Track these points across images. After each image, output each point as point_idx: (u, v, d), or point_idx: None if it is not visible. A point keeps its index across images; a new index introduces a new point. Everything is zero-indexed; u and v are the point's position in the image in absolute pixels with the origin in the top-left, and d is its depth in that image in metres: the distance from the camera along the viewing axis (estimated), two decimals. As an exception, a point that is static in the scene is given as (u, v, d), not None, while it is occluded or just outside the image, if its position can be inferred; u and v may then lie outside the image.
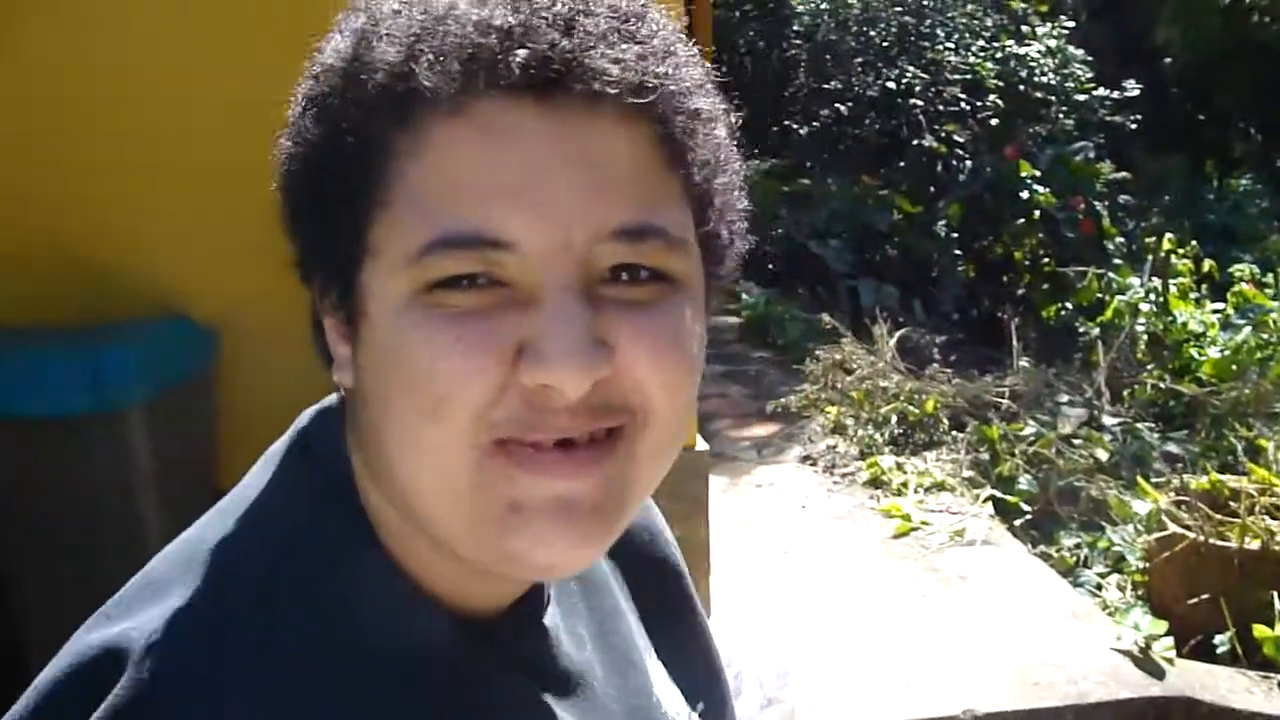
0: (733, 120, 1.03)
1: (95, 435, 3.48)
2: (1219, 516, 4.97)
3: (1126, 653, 4.33)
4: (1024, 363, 8.13)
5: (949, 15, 14.30)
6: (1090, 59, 14.41)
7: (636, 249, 0.90)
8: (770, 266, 11.89)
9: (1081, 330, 9.46)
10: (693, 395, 0.97)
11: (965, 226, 11.25)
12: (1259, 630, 4.41)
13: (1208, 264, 9.67)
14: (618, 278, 0.91)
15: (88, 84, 3.94)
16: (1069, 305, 10.19)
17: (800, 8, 15.16)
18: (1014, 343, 8.25)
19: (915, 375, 7.87)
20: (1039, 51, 13.88)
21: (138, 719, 0.89)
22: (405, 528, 0.99)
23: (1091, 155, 12.01)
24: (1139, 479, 5.83)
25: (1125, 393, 7.62)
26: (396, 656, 0.96)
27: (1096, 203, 11.09)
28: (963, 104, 13.01)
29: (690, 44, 0.98)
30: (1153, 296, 8.80)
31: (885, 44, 14.14)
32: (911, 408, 7.37)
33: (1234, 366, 7.72)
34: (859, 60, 14.06)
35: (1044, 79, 13.64)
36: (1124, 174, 12.62)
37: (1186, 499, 5.15)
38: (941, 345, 9.13)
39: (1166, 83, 18.28)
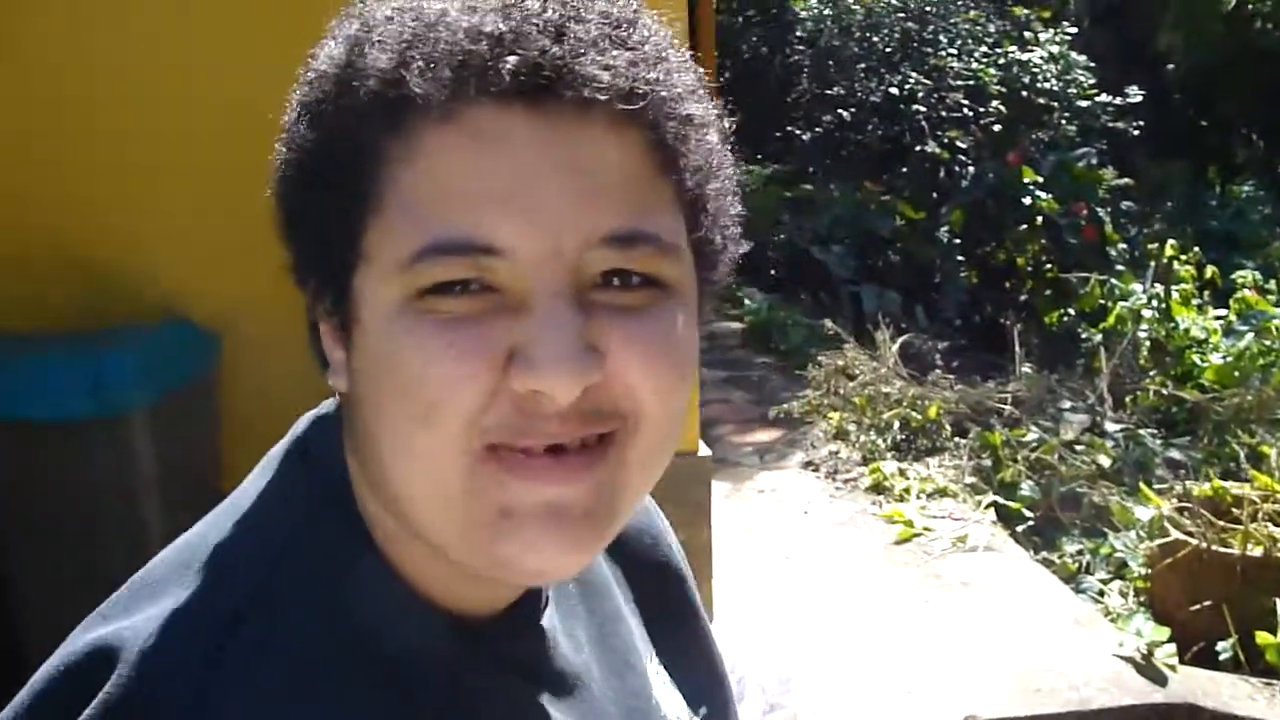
0: (725, 126, 1.03)
1: (97, 439, 3.48)
2: (1221, 523, 4.97)
3: (1129, 659, 4.33)
4: (1026, 369, 8.13)
5: (952, 21, 14.33)
6: (1093, 65, 14.43)
7: (627, 255, 0.90)
8: (773, 272, 11.92)
9: (1084, 336, 9.46)
10: (685, 400, 0.97)
11: (968, 232, 11.26)
12: (1261, 637, 4.41)
13: (1210, 270, 9.67)
14: (609, 283, 0.90)
15: (88, 85, 3.94)
16: (1071, 311, 10.19)
17: (803, 13, 15.19)
18: (1016, 349, 8.25)
19: (918, 381, 7.87)
20: (1042, 58, 13.90)
21: (128, 717, 0.89)
22: (400, 531, 0.99)
23: (1094, 161, 12.02)
24: (1141, 485, 5.83)
25: (1128, 399, 7.63)
26: (393, 658, 0.96)
27: (1099, 209, 11.09)
28: (965, 110, 13.03)
29: (683, 50, 0.98)
30: (1155, 303, 8.80)
31: (888, 50, 14.16)
32: (914, 414, 7.37)
33: (1236, 373, 7.73)
34: (862, 66, 14.09)
35: (1047, 85, 13.66)
36: (1126, 180, 12.62)
37: (1189, 505, 5.15)
38: (944, 351, 9.14)
39: (1169, 89, 18.29)
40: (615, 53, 0.89)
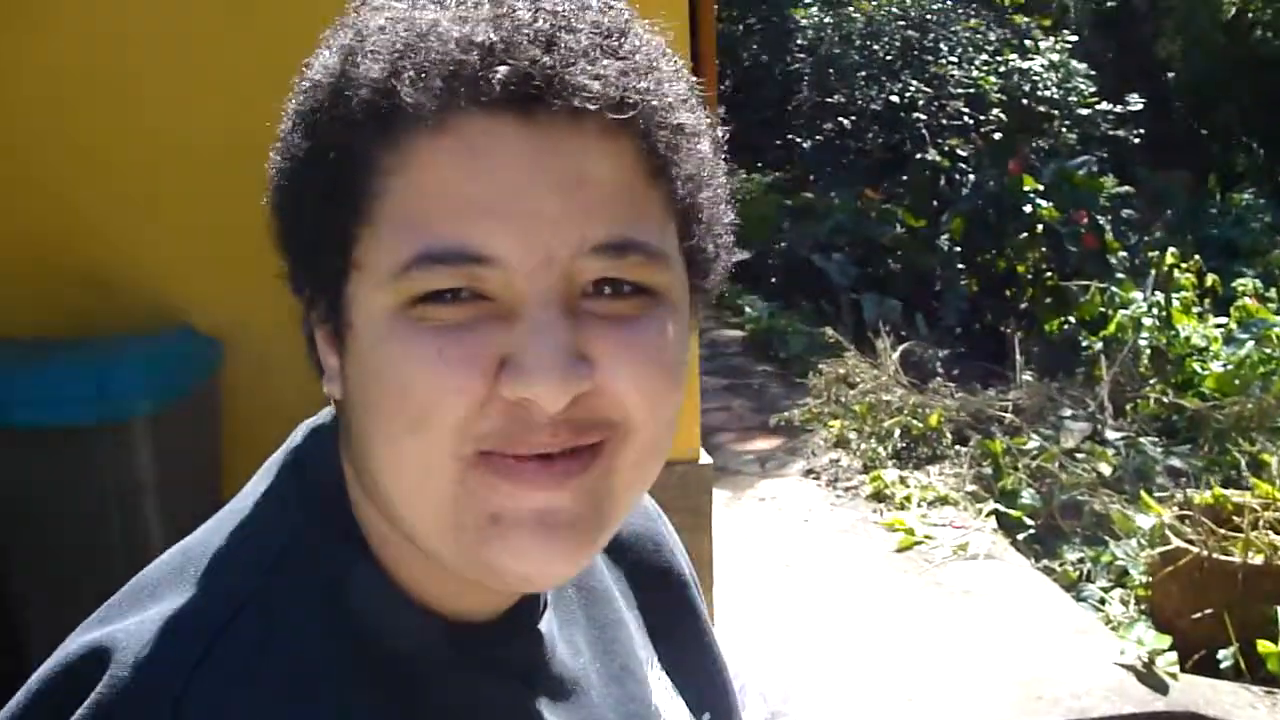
0: (718, 134, 1.03)
1: (99, 446, 3.48)
2: (1222, 531, 4.97)
3: (1130, 668, 4.33)
4: (1027, 377, 8.13)
5: (952, 29, 14.35)
6: (1093, 73, 14.45)
7: (618, 264, 0.90)
8: (773, 280, 11.91)
9: (1084, 344, 9.45)
10: (676, 408, 0.97)
11: (968, 240, 11.25)
12: (1263, 645, 4.41)
13: (1211, 278, 9.68)
14: (600, 292, 0.91)
15: (90, 93, 3.94)
16: (1072, 319, 10.19)
17: (804, 21, 15.20)
18: (1017, 357, 8.25)
19: (918, 389, 7.88)
20: (1042, 66, 13.92)
21: (117, 716, 0.90)
22: (395, 536, 1.00)
23: (1094, 169, 12.01)
24: (1142, 493, 5.83)
25: (1128, 407, 7.63)
26: (391, 659, 0.97)
27: (1099, 217, 11.09)
28: (966, 118, 13.04)
29: (675, 59, 0.99)
30: (1156, 311, 8.80)
31: (888, 58, 14.17)
32: (915, 421, 7.37)
33: (1237, 381, 7.72)
34: (862, 74, 14.10)
35: (1047, 93, 13.68)
36: (1127, 188, 12.62)
37: (1190, 514, 5.15)
38: (944, 359, 9.13)
39: (1169, 97, 18.31)
40: (606, 62, 0.89)
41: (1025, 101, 13.44)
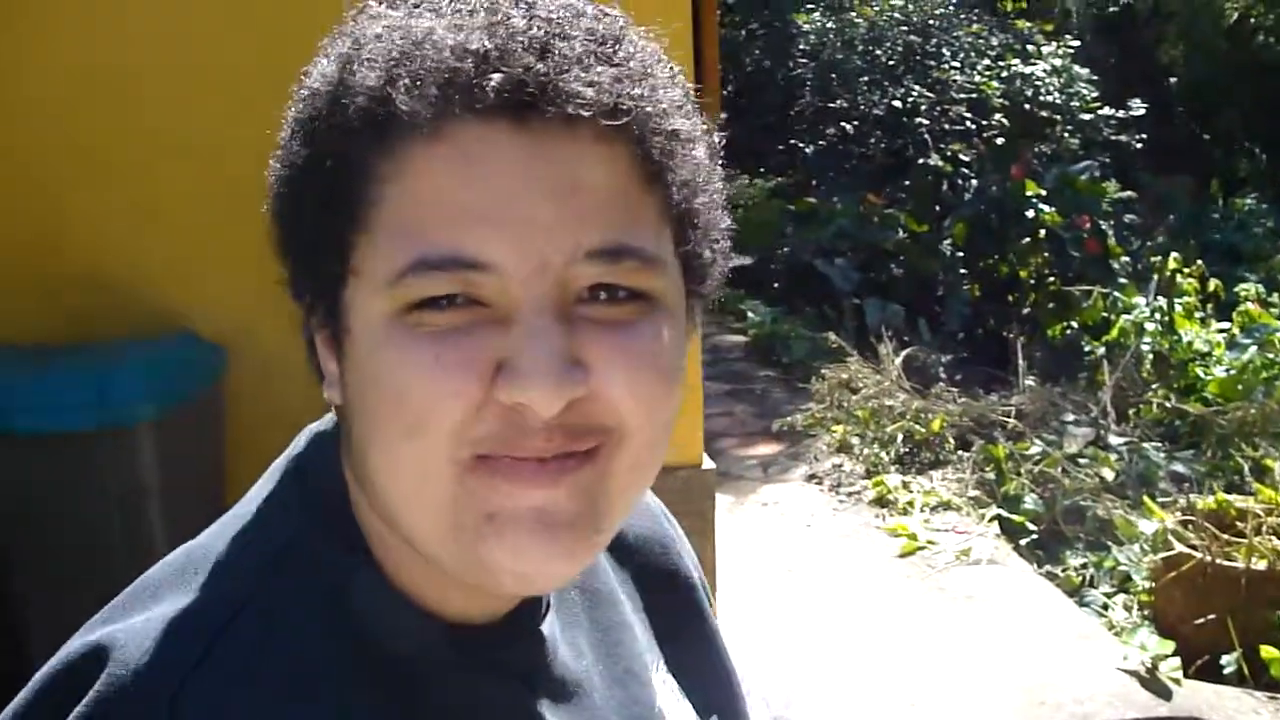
0: (715, 140, 1.03)
1: (103, 452, 3.48)
2: (1225, 536, 4.96)
3: (1133, 673, 4.32)
4: (1029, 382, 8.13)
5: (954, 35, 14.36)
6: (1095, 78, 14.45)
7: (613, 269, 0.91)
8: (775, 285, 11.91)
9: (1087, 349, 9.46)
10: (672, 412, 0.98)
11: (970, 245, 11.25)
12: (1266, 651, 4.41)
13: (1213, 283, 9.68)
14: (596, 297, 0.91)
15: (93, 99, 3.94)
16: (1074, 324, 10.19)
17: (806, 26, 15.20)
18: (1019, 362, 8.25)
19: (921, 394, 7.88)
20: (1044, 71, 13.93)
21: (113, 714, 0.90)
22: (394, 540, 1.00)
23: (1096, 174, 12.03)
24: (1145, 498, 5.83)
25: (1131, 412, 7.63)
26: (387, 661, 0.98)
27: (1102, 222, 11.09)
28: (968, 123, 13.05)
29: (671, 65, 0.99)
30: (1158, 316, 8.81)
31: (891, 63, 14.19)
32: (917, 426, 7.37)
33: (1240, 386, 7.72)
34: (865, 79, 14.11)
35: (1049, 98, 13.69)
36: (1129, 193, 12.62)
37: (1193, 519, 5.15)
38: (947, 364, 9.14)
39: (1171, 102, 18.32)
40: (600, 69, 0.89)
41: (1027, 106, 13.45)
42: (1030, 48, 14.54)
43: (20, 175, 3.91)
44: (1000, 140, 12.73)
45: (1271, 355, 8.00)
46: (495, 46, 0.87)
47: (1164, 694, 4.22)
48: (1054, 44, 14.74)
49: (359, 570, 1.01)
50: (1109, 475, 6.61)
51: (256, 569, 1.00)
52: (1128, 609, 5.36)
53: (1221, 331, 8.79)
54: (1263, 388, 7.55)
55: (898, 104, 13.48)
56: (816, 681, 4.39)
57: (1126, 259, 11.16)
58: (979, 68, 13.86)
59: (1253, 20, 18.00)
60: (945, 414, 7.46)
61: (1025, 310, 10.94)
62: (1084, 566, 5.76)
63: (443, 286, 0.88)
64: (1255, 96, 17.37)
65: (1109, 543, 5.86)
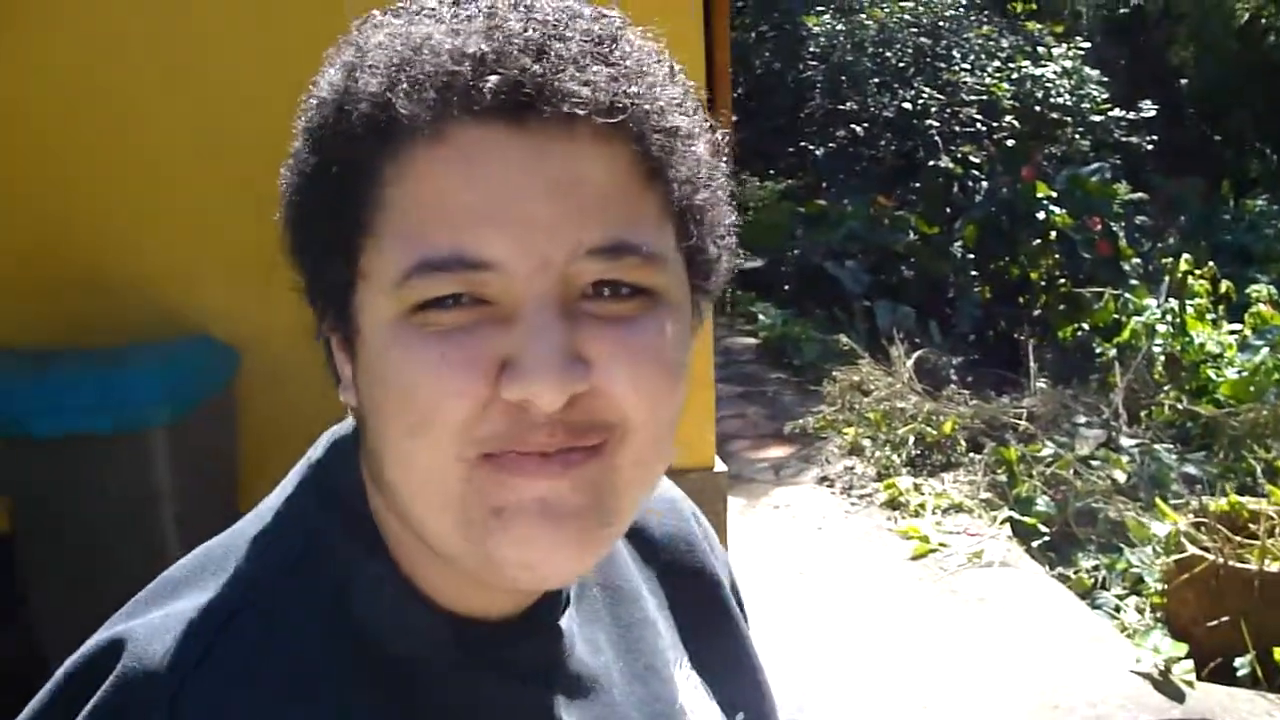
0: (718, 138, 1.04)
1: (117, 455, 3.49)
2: (1238, 538, 4.95)
3: (1146, 675, 4.32)
4: (1041, 384, 8.13)
5: (965, 36, 14.35)
6: (1106, 80, 14.43)
7: (615, 265, 0.92)
8: (786, 287, 11.91)
9: (1098, 351, 9.44)
10: (676, 407, 0.98)
11: (981, 247, 11.24)
12: (1279, 653, 4.39)
13: (1225, 285, 9.66)
14: (599, 294, 0.92)
15: (110, 106, 3.96)
16: (1085, 326, 10.18)
17: (816, 29, 15.20)
18: (1031, 364, 8.25)
19: (932, 396, 7.87)
20: (1055, 72, 13.91)
21: (121, 707, 0.92)
22: (409, 538, 1.02)
23: (1107, 176, 11.99)
24: (1157, 500, 5.82)
25: (1143, 414, 7.62)
26: (394, 660, 0.99)
27: (1113, 223, 11.07)
28: (978, 125, 13.04)
29: (670, 64, 1.00)
30: (1169, 317, 8.79)
31: (901, 65, 14.18)
32: (929, 429, 7.37)
33: (1252, 387, 7.71)
34: (875, 81, 14.10)
35: (1059, 100, 13.67)
36: (1140, 195, 12.60)
37: (1205, 520, 5.14)
38: (958, 366, 9.13)
39: (1182, 103, 18.30)
40: (596, 69, 0.91)
41: (1038, 108, 13.44)
42: (1040, 49, 14.52)
43: (42, 181, 3.93)
44: (1011, 142, 12.72)
45: (1283, 357, 7.98)
46: (492, 49, 0.89)
47: (1177, 696, 4.21)
48: (1064, 46, 14.72)
49: (371, 568, 1.03)
50: (1121, 477, 6.60)
51: (268, 570, 1.01)
52: (1140, 611, 5.35)
53: (1233, 333, 8.77)
54: (1275, 389, 7.53)
55: (908, 106, 13.48)
56: (829, 684, 4.39)
57: (1138, 260, 11.14)
58: (989, 69, 13.85)
59: (1264, 21, 17.97)
60: (957, 416, 7.45)
61: (1036, 312, 10.92)
62: (1096, 569, 5.75)
63: (447, 286, 0.90)
64: (1266, 97, 17.35)
65: (1121, 545, 5.85)
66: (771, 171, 15.04)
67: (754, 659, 1.36)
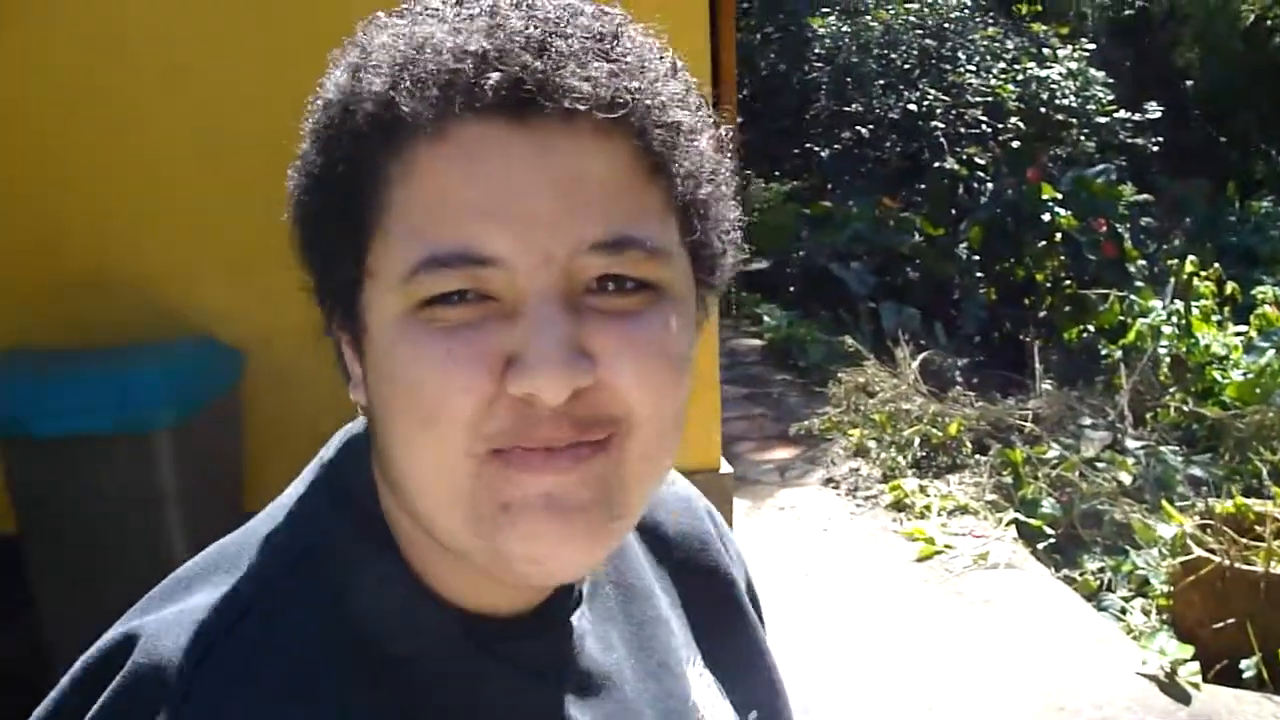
0: (722, 133, 1.05)
1: (122, 456, 3.50)
2: (1244, 540, 4.95)
3: (1152, 677, 4.31)
4: (1046, 385, 8.12)
5: (970, 38, 14.35)
6: (1111, 81, 14.43)
7: (618, 260, 0.92)
8: (791, 289, 11.91)
9: (1104, 353, 9.44)
10: (681, 400, 0.99)
11: (987, 249, 11.24)
12: (1286, 655, 4.39)
13: (1230, 286, 9.65)
14: (604, 288, 0.93)
15: (119, 109, 3.96)
16: (1091, 328, 10.18)
17: (821, 30, 15.20)
18: (1036, 365, 8.24)
19: (938, 398, 7.87)
20: (1060, 74, 13.91)
21: (129, 702, 0.93)
22: (420, 536, 1.02)
23: (1113, 177, 12.00)
24: (1163, 502, 5.82)
25: (1148, 416, 7.61)
26: (395, 659, 0.99)
27: (1118, 225, 11.08)
28: (984, 126, 13.04)
29: (671, 59, 1.01)
30: (1175, 319, 8.78)
31: (906, 67, 14.18)
32: (934, 430, 7.36)
33: (1258, 389, 7.70)
34: (880, 83, 14.11)
35: (1065, 101, 13.68)
36: (1145, 196, 12.60)
37: (1211, 522, 5.13)
38: (963, 368, 9.13)
39: (1187, 105, 18.29)
40: (597, 64, 0.91)
41: (1043, 110, 13.45)
42: (1045, 51, 14.53)
43: (49, 183, 3.94)
44: (1016, 143, 12.72)
45: (1289, 358, 7.98)
46: (493, 47, 0.90)
47: (1183, 698, 4.20)
48: (1069, 47, 14.73)
49: (380, 563, 1.03)
50: (1126, 479, 6.59)
51: (275, 569, 1.02)
52: (1146, 613, 5.34)
53: (1239, 334, 8.76)
54: (1281, 391, 7.53)
55: (913, 107, 13.48)
56: (834, 686, 4.39)
57: (1143, 262, 11.14)
58: (994, 71, 13.86)
59: (1269, 22, 17.97)
60: (962, 418, 7.45)
61: (1041, 314, 10.93)
62: (1102, 570, 5.74)
63: (452, 282, 0.90)
64: (1272, 99, 17.34)
65: (1127, 547, 5.84)
66: (777, 173, 15.04)
67: (768, 659, 1.36)
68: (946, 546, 5.77)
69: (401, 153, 0.92)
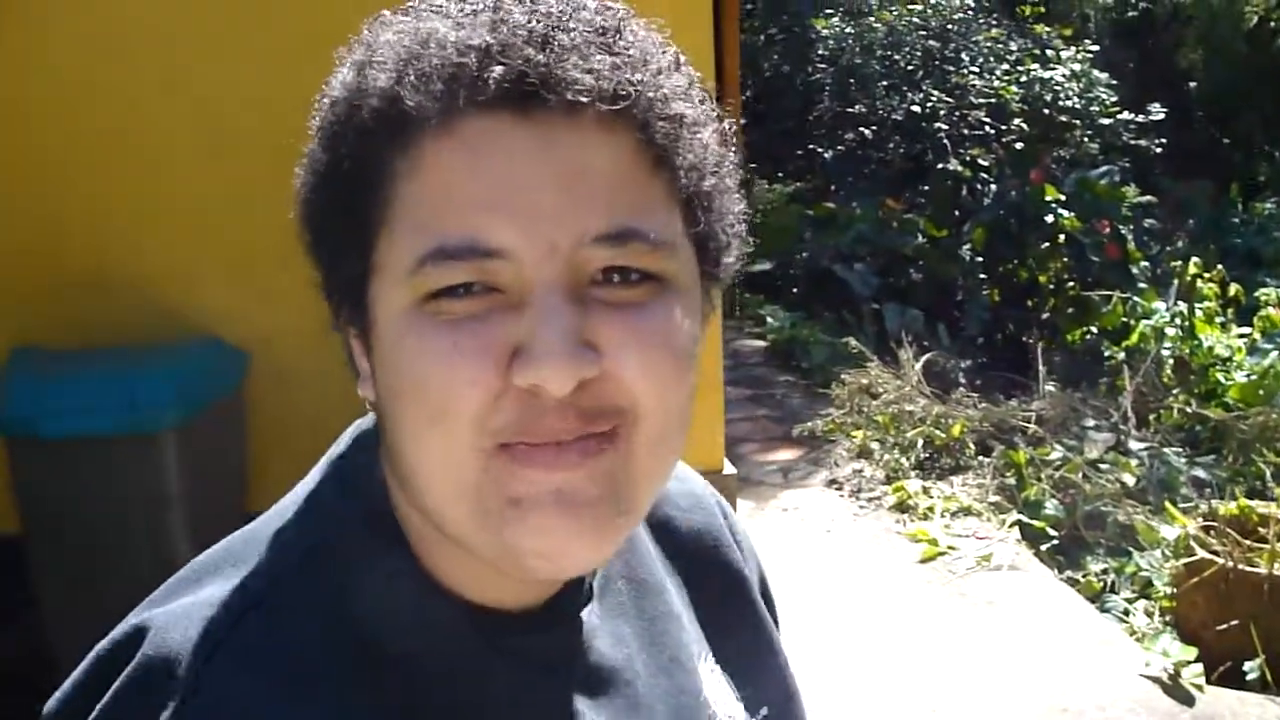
0: (725, 127, 1.06)
1: (128, 457, 3.50)
2: (1248, 542, 4.94)
3: (1155, 679, 4.31)
4: (1050, 387, 8.11)
5: (973, 39, 14.34)
6: (1114, 83, 14.43)
7: (622, 252, 0.93)
8: (795, 290, 11.90)
9: (1107, 354, 9.44)
10: (686, 394, 0.99)
11: (990, 250, 11.23)
12: (1288, 656, 4.39)
13: (1234, 288, 9.65)
14: (609, 279, 0.94)
15: (123, 113, 3.96)
16: (1094, 329, 10.18)
17: (825, 32, 15.20)
18: (1039, 367, 8.23)
19: (941, 399, 7.86)
20: (1063, 75, 13.91)
21: (137, 694, 0.94)
22: (429, 531, 1.02)
23: (1116, 179, 12.00)
24: (1166, 504, 5.81)
25: (1151, 417, 7.61)
26: (396, 658, 1.00)
27: (1121, 226, 11.07)
28: (987, 128, 13.04)
29: (674, 53, 1.01)
30: (1178, 320, 8.78)
31: (910, 68, 14.17)
32: (937, 432, 7.36)
33: (1261, 391, 7.70)
34: (883, 84, 14.10)
35: (1068, 103, 13.67)
36: (1149, 198, 12.60)
37: (1214, 524, 5.13)
38: (967, 369, 9.12)
39: (1191, 106, 18.27)
40: (599, 58, 0.92)
41: (1046, 111, 13.43)
42: (1049, 52, 14.52)
43: (56, 186, 3.94)
44: (1019, 145, 12.71)
45: (1292, 360, 7.97)
46: (497, 41, 0.90)
47: (1186, 700, 4.20)
48: (1073, 48, 14.72)
49: (388, 559, 1.04)
50: (1130, 480, 6.59)
51: (283, 565, 1.03)
52: (1149, 615, 5.34)
53: (1242, 336, 8.76)
54: (1284, 393, 7.53)
55: (916, 109, 13.47)
56: (837, 686, 4.38)
57: (1146, 264, 11.14)
58: (998, 72, 13.84)
59: (1273, 24, 17.96)
60: (965, 419, 7.45)
61: (1045, 315, 10.92)
62: (1105, 572, 5.74)
63: (459, 275, 0.91)
64: (1275, 100, 17.34)
65: (1130, 548, 5.84)
66: (780, 174, 15.03)
67: (780, 656, 1.37)
68: (950, 548, 5.77)
69: (407, 148, 0.93)
